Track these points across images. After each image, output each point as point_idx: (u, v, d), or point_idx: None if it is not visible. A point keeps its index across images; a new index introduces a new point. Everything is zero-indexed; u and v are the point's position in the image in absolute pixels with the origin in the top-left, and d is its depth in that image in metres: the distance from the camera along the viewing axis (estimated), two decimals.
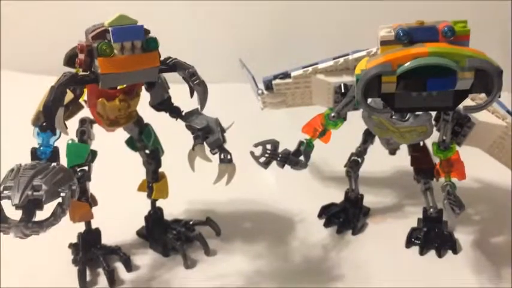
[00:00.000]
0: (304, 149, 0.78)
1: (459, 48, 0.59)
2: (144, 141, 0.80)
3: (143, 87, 0.74)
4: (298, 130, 0.80)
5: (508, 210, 0.92)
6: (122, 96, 0.70)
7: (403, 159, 0.88)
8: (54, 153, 0.71)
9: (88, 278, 0.78)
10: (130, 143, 0.82)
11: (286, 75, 0.88)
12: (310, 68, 0.85)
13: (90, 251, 0.80)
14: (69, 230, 0.78)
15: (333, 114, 0.77)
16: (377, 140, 0.88)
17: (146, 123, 0.80)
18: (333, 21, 1.59)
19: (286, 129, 0.95)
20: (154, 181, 0.83)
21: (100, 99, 0.69)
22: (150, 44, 0.65)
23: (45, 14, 1.73)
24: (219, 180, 0.77)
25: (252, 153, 0.76)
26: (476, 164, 0.83)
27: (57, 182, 0.60)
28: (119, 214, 0.89)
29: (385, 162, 0.96)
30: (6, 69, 1.74)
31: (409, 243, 0.84)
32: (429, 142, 0.81)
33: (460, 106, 0.64)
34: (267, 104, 0.92)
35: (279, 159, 0.76)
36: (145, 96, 0.76)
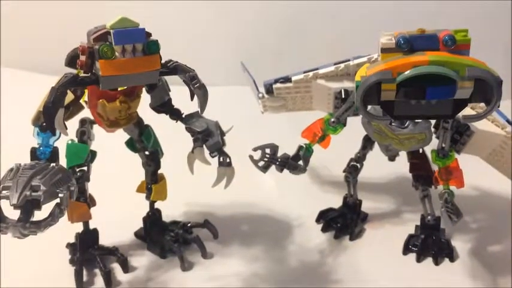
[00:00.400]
0: (304, 154, 0.78)
1: (459, 58, 0.59)
2: (143, 143, 0.81)
3: (144, 89, 0.75)
4: (298, 135, 0.80)
5: (505, 218, 0.92)
6: (122, 98, 0.71)
7: (402, 165, 0.88)
8: (54, 154, 0.71)
9: (85, 279, 0.78)
10: (130, 144, 0.83)
11: (287, 79, 0.88)
12: (311, 73, 0.86)
13: (87, 251, 0.80)
14: (67, 230, 0.78)
15: (332, 120, 0.77)
16: (376, 146, 0.88)
17: (146, 124, 0.80)
18: (335, 27, 1.59)
19: (286, 133, 0.95)
20: (153, 182, 0.84)
21: (100, 100, 0.70)
22: (151, 47, 0.65)
23: (46, 11, 1.73)
24: (218, 183, 0.77)
25: (251, 157, 0.76)
26: (475, 172, 0.84)
27: (56, 182, 0.60)
28: (117, 215, 0.89)
29: (384, 168, 0.96)
30: (7, 67, 1.74)
31: (406, 250, 0.84)
32: (428, 149, 0.81)
33: (460, 115, 0.64)
34: (267, 108, 0.92)
35: (278, 163, 0.76)
36: (145, 97, 0.76)
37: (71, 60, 0.69)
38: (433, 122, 0.78)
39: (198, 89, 0.71)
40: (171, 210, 0.90)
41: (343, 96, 0.82)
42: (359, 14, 1.55)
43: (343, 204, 0.93)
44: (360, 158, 0.90)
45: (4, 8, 1.76)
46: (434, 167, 0.81)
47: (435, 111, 0.63)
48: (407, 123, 0.77)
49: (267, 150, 0.77)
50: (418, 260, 0.82)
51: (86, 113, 0.76)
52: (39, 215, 0.60)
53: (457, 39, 0.61)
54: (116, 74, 0.64)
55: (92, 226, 0.81)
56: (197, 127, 0.75)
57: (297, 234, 0.90)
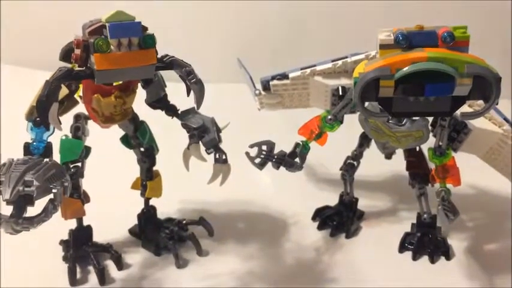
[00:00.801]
0: (300, 151, 0.77)
1: (458, 54, 0.59)
2: (139, 139, 0.80)
3: (139, 85, 0.74)
4: (295, 132, 0.79)
5: (502, 217, 0.92)
6: (117, 93, 0.70)
7: (398, 163, 0.88)
8: (47, 149, 0.70)
9: (78, 276, 0.77)
10: (125, 141, 0.82)
11: (284, 76, 0.87)
12: (308, 70, 0.85)
13: (81, 248, 0.79)
14: (60, 226, 0.77)
15: (329, 117, 0.77)
16: (373, 143, 0.88)
17: (142, 120, 0.80)
18: (332, 24, 1.58)
19: (283, 130, 0.95)
20: (148, 179, 0.83)
21: (95, 95, 0.69)
22: (147, 41, 0.65)
23: (46, 9, 1.72)
24: (214, 180, 0.76)
25: (247, 153, 0.76)
26: (472, 171, 0.83)
27: (49, 178, 0.60)
28: (111, 212, 0.88)
29: (381, 166, 0.95)
30: (7, 63, 1.73)
31: (402, 248, 0.84)
32: (425, 147, 0.81)
33: (458, 112, 0.64)
34: (264, 105, 0.91)
35: (274, 160, 0.76)
36: (141, 93, 0.75)
37: (66, 54, 0.68)
38: (430, 119, 0.77)
39: (194, 84, 0.70)
40: (166, 207, 0.90)
41: (340, 94, 0.81)
42: (357, 10, 1.54)
43: (340, 202, 0.93)
44: (357, 155, 0.90)
45: (4, 6, 1.74)
46: (431, 165, 0.80)
47: (433, 108, 0.63)
48: (404, 120, 0.76)
49: (264, 147, 0.76)
50: (414, 258, 0.82)
51: (81, 108, 0.75)
52: (32, 211, 0.59)
53: (456, 36, 0.60)
54: (111, 68, 0.63)
55: (85, 223, 0.80)
56: (193, 123, 0.75)
57: (293, 231, 0.90)
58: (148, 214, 0.86)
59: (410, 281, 0.77)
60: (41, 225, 0.59)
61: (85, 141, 0.77)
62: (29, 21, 1.75)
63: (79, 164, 0.77)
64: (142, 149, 0.82)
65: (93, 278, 0.77)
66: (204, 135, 0.75)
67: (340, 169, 0.91)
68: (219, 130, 0.76)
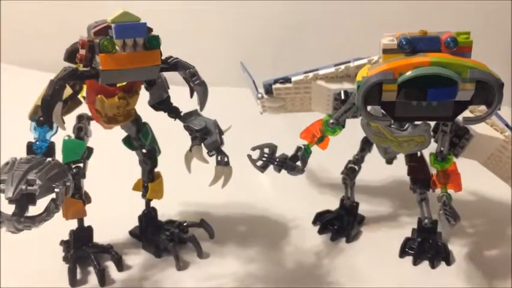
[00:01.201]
0: (302, 155, 0.77)
1: (461, 59, 0.59)
2: (141, 141, 0.80)
3: (143, 86, 0.74)
4: (297, 135, 0.80)
5: (503, 223, 0.92)
6: (121, 94, 0.70)
7: (400, 168, 0.88)
8: (50, 148, 0.70)
9: (78, 277, 0.77)
10: (128, 142, 0.82)
11: (286, 79, 0.88)
12: (310, 74, 0.85)
13: (81, 249, 0.79)
14: (61, 227, 0.77)
15: (331, 121, 0.77)
16: (374, 148, 0.88)
17: (144, 122, 0.80)
18: (335, 28, 1.59)
19: (285, 134, 0.94)
20: (149, 181, 0.83)
21: (99, 96, 0.69)
22: (152, 42, 0.65)
23: (46, 9, 1.73)
24: (215, 182, 0.77)
25: (249, 156, 0.76)
26: (473, 176, 0.84)
27: (52, 177, 0.60)
28: (112, 213, 0.88)
29: (382, 171, 0.95)
30: (7, 64, 1.73)
31: (402, 253, 0.84)
32: (426, 153, 0.81)
33: (460, 117, 0.64)
34: (267, 108, 0.91)
35: (276, 163, 0.76)
36: (144, 95, 0.75)
37: (70, 55, 0.68)
38: (432, 124, 0.78)
39: (198, 85, 0.71)
40: (167, 209, 0.90)
41: (342, 98, 0.82)
42: (360, 15, 1.55)
43: (340, 206, 0.93)
44: (358, 160, 0.90)
45: (4, 6, 1.75)
46: (433, 170, 0.81)
47: (436, 113, 0.63)
48: (406, 125, 0.77)
49: (266, 150, 0.76)
50: (415, 263, 0.82)
51: (84, 108, 0.75)
52: (34, 211, 0.59)
53: (459, 41, 0.61)
54: (116, 68, 0.63)
55: (86, 223, 0.80)
56: (195, 125, 0.75)
57: (294, 235, 0.90)
58: (149, 216, 0.86)
59: (410, 286, 0.77)
60: (42, 225, 0.59)
61: (87, 141, 0.78)
62: (29, 22, 1.76)
63: (81, 165, 0.77)
64: (144, 151, 0.82)
65: (93, 278, 0.77)
66: (206, 137, 0.75)
67: (341, 173, 0.92)
68: (221, 132, 0.76)
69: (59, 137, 0.72)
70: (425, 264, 0.82)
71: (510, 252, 0.84)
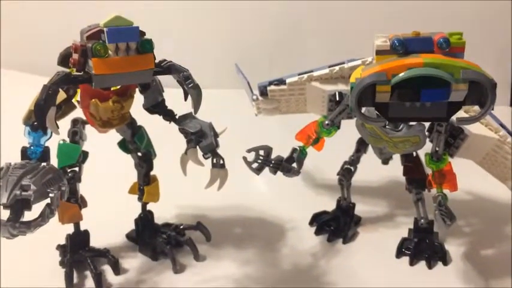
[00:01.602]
0: (297, 156, 0.77)
1: (454, 60, 0.59)
2: (136, 144, 0.80)
3: (137, 89, 0.74)
4: (292, 137, 0.80)
5: (499, 222, 0.92)
6: (115, 98, 0.70)
7: (395, 169, 0.88)
8: (45, 153, 0.70)
9: (75, 281, 0.77)
10: (123, 145, 0.82)
11: (281, 81, 0.88)
12: (305, 75, 0.85)
13: (78, 253, 0.79)
14: (57, 231, 0.77)
15: (327, 122, 0.77)
16: (370, 149, 0.88)
17: (139, 125, 0.80)
18: (329, 30, 1.59)
19: (280, 136, 0.95)
20: (145, 184, 0.83)
21: (93, 100, 0.69)
22: (145, 46, 0.65)
23: (46, 13, 1.73)
24: (211, 185, 0.76)
25: (244, 158, 0.76)
26: (469, 176, 0.84)
27: (47, 182, 0.60)
28: (108, 216, 0.88)
29: (378, 171, 0.95)
30: (6, 68, 1.73)
31: (399, 253, 0.84)
32: (422, 153, 0.81)
33: (454, 118, 0.65)
34: (261, 110, 0.92)
35: (271, 165, 0.76)
36: (139, 98, 0.75)
37: (64, 59, 0.68)
38: (427, 125, 0.78)
39: (192, 89, 0.71)
40: (163, 212, 0.90)
41: (337, 99, 0.82)
42: (354, 16, 1.55)
43: (337, 207, 0.93)
44: (354, 161, 0.90)
45: (4, 9, 1.75)
46: (428, 171, 0.81)
47: (430, 114, 0.63)
48: (401, 126, 0.77)
49: (261, 152, 0.76)
50: (411, 263, 0.82)
51: (78, 113, 0.75)
52: (29, 216, 0.59)
53: (451, 42, 0.61)
54: (109, 73, 0.63)
55: (82, 227, 0.80)
56: (191, 128, 0.75)
57: (290, 237, 0.90)
58: (145, 219, 0.86)
59: (407, 286, 0.77)
60: (38, 230, 0.59)
61: (82, 145, 0.78)
62: (28, 26, 1.76)
63: (76, 169, 0.77)
64: (139, 154, 0.82)
65: (90, 282, 0.77)
66: (201, 140, 0.75)
67: (337, 174, 0.92)
68: (216, 135, 0.76)
69: (54, 141, 0.72)
70: (422, 264, 0.82)
71: (507, 251, 0.84)
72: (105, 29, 0.63)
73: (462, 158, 0.82)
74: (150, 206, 0.86)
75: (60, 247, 0.81)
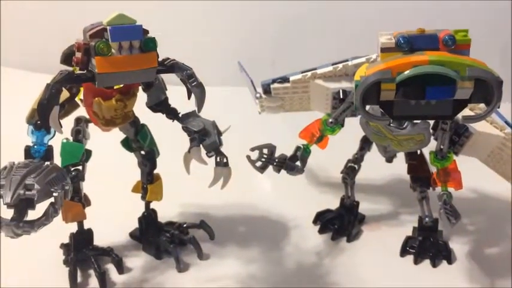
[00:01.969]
0: (301, 155, 0.77)
1: (459, 57, 0.59)
2: (139, 142, 0.80)
3: (140, 88, 0.74)
4: (295, 135, 0.79)
5: (504, 221, 0.92)
6: (118, 96, 0.70)
7: (399, 167, 0.88)
8: (48, 152, 0.70)
9: (79, 279, 0.77)
10: (126, 144, 0.82)
11: (284, 79, 0.87)
12: (309, 73, 0.85)
13: (81, 251, 0.79)
14: (61, 230, 0.77)
15: (330, 120, 0.77)
16: (374, 147, 0.88)
17: (142, 124, 0.80)
18: (333, 27, 1.59)
19: (283, 134, 0.94)
20: (148, 182, 0.83)
21: (96, 99, 0.69)
22: (148, 45, 0.65)
23: (46, 11, 1.73)
24: (215, 183, 0.76)
25: (248, 157, 0.76)
26: (473, 174, 0.83)
27: (50, 181, 0.60)
28: (112, 215, 0.88)
29: (382, 169, 0.95)
30: (6, 66, 1.73)
31: (403, 251, 0.84)
32: (426, 151, 0.80)
33: (459, 116, 0.64)
34: (265, 108, 0.91)
35: (275, 164, 0.76)
36: (142, 96, 0.75)
37: (66, 57, 0.68)
38: (431, 123, 0.77)
39: (195, 87, 0.70)
40: (166, 210, 0.90)
41: (341, 97, 0.81)
42: (358, 14, 1.55)
43: (341, 206, 0.93)
44: (358, 159, 0.90)
45: (4, 8, 1.75)
46: (433, 169, 0.80)
47: (435, 112, 0.63)
48: (405, 124, 0.76)
49: (265, 151, 0.76)
50: (416, 262, 0.82)
51: (82, 111, 0.75)
52: (33, 215, 0.59)
53: (457, 39, 0.60)
54: (112, 71, 0.63)
55: (86, 226, 0.80)
56: (194, 126, 0.74)
57: (294, 235, 0.90)
58: (149, 217, 0.86)
59: (412, 285, 0.77)
60: (41, 229, 0.59)
61: (86, 144, 0.77)
62: (28, 24, 1.76)
63: (80, 168, 0.77)
64: (143, 152, 0.82)
65: (93, 281, 0.77)
66: (205, 138, 0.75)
67: (341, 172, 0.91)
68: (219, 133, 0.76)
69: (58, 140, 0.72)
70: (427, 263, 0.82)
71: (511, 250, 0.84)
72: (108, 28, 0.62)
73: (467, 156, 0.81)
74: (153, 205, 0.86)
75: (63, 246, 0.81)
